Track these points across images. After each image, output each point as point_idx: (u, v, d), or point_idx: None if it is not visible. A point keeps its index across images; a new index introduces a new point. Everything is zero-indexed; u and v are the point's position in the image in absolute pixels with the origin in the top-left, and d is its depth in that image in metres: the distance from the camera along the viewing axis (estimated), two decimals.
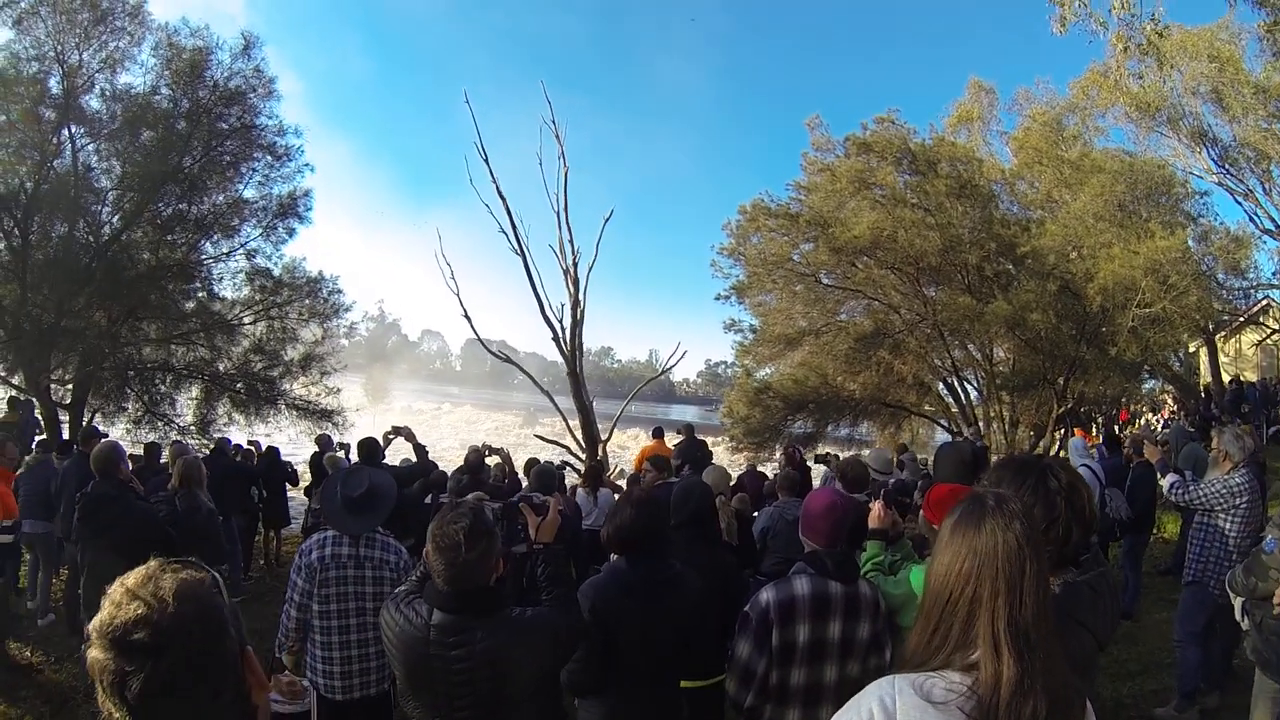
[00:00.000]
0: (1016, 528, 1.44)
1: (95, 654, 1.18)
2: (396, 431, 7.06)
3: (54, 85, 12.81)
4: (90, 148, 13.45)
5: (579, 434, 15.33)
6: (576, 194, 15.88)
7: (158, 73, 13.70)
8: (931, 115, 25.55)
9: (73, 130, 13.00)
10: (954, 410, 19.34)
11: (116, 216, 13.57)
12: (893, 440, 19.00)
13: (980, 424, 18.15)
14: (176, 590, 1.24)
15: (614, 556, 3.71)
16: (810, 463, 10.92)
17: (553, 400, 16.19)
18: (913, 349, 18.03)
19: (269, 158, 14.59)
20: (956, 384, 19.05)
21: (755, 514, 6.65)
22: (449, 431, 45.87)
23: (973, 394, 19.46)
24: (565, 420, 15.61)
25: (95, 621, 1.21)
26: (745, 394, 19.29)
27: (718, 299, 19.32)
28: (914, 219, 16.22)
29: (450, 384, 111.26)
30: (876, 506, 3.51)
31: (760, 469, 11.88)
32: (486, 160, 14.84)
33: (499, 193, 14.80)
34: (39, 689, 6.34)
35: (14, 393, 12.55)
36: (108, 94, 13.43)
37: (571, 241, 15.48)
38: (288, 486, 10.77)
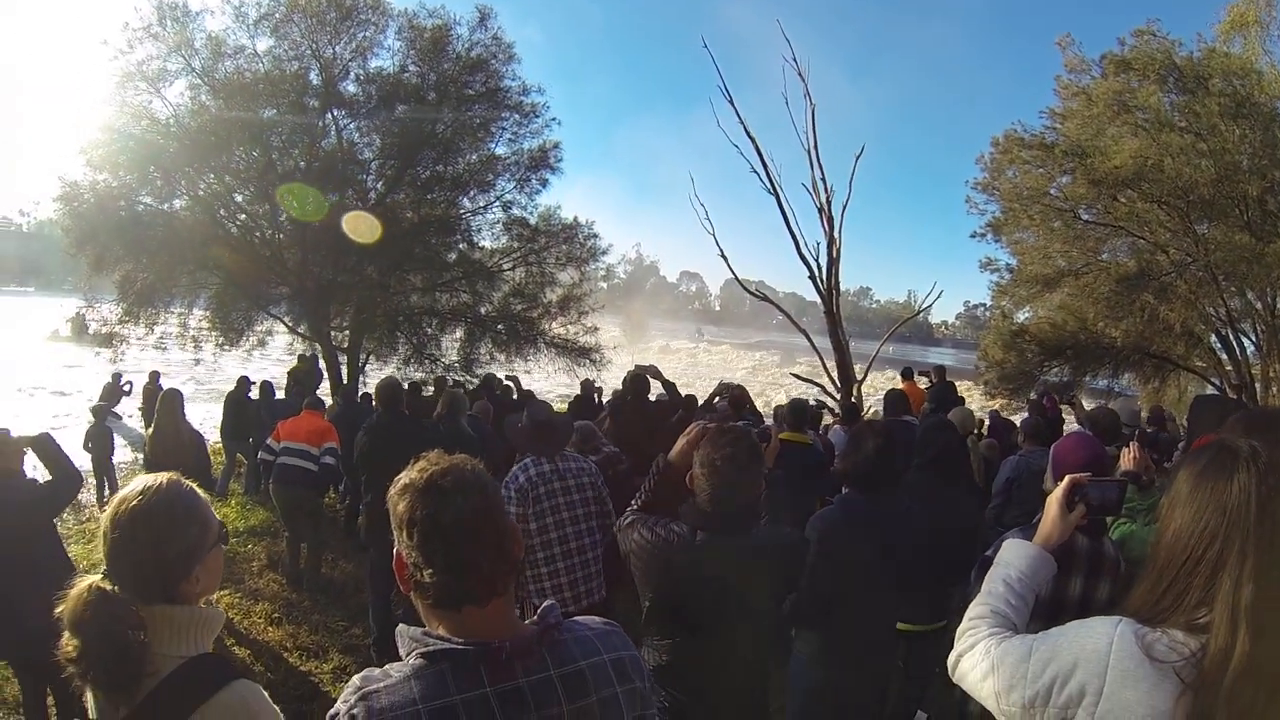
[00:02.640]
0: (1273, 483, 1.35)
1: (399, 506, 1.52)
2: (642, 369, 7.88)
3: (313, 78, 15.07)
4: (351, 126, 15.70)
5: (834, 373, 15.89)
6: (827, 131, 16.56)
7: (404, 53, 15.66)
8: (1199, 23, 23.46)
9: (335, 113, 15.29)
10: (1227, 368, 17.95)
11: (380, 182, 15.85)
12: (1155, 396, 18.22)
13: (1257, 385, 16.76)
14: (463, 461, 1.57)
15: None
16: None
17: (809, 339, 16.81)
18: (1181, 294, 16.74)
19: (516, 116, 16.06)
20: (1231, 336, 17.68)
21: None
22: (706, 370, 47.42)
23: (1250, 349, 17.94)
24: (822, 359, 16.20)
25: (400, 483, 1.55)
26: (1001, 337, 18.88)
27: (973, 237, 18.98)
28: (1182, 145, 15.19)
29: (709, 323, 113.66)
30: (1132, 447, 3.44)
31: (1010, 418, 11.94)
32: (731, 101, 15.86)
33: (748, 133, 15.74)
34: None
35: (302, 348, 16.04)
36: (361, 78, 15.51)
37: (824, 179, 16.18)
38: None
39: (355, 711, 1.40)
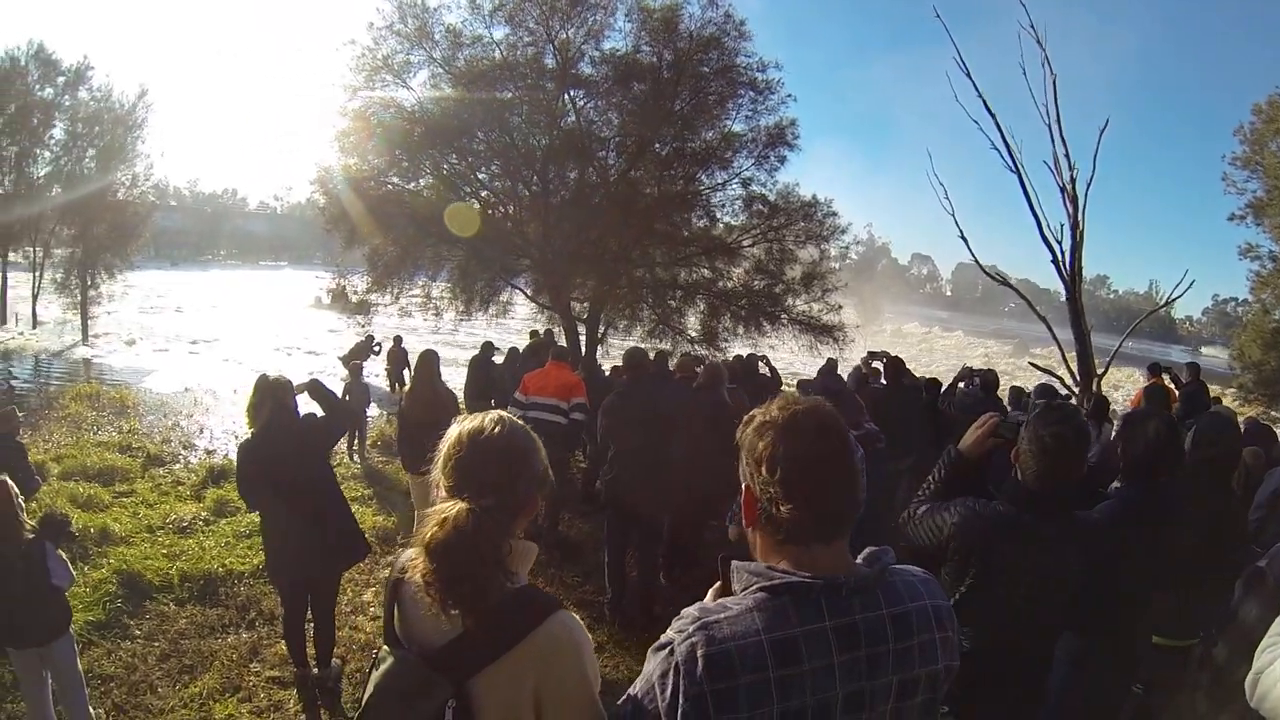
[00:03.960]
0: None
1: (758, 443, 1.60)
2: (873, 356, 7.87)
3: (549, 61, 15.70)
4: (589, 106, 16.23)
5: (1074, 365, 15.36)
6: (1069, 104, 15.80)
7: (635, 34, 15.92)
8: None
9: (571, 94, 15.89)
10: None
11: (620, 159, 16.24)
12: None
13: None
14: (820, 403, 1.62)
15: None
16: None
17: (1049, 328, 16.23)
18: None
19: (751, 93, 16.05)
20: None
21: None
22: (940, 356, 47.02)
23: None
24: (1061, 350, 15.68)
25: (757, 420, 1.63)
26: (1260, 335, 17.23)
27: (1231, 220, 17.43)
28: None
29: (940, 308, 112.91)
30: None
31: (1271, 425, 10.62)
32: (969, 74, 15.50)
33: (988, 109, 15.34)
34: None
35: (542, 318, 16.92)
36: (595, 59, 15.96)
37: (1067, 156, 15.51)
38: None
39: (695, 640, 1.47)
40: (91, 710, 4.79)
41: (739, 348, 15.47)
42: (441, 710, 1.71)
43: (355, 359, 14.86)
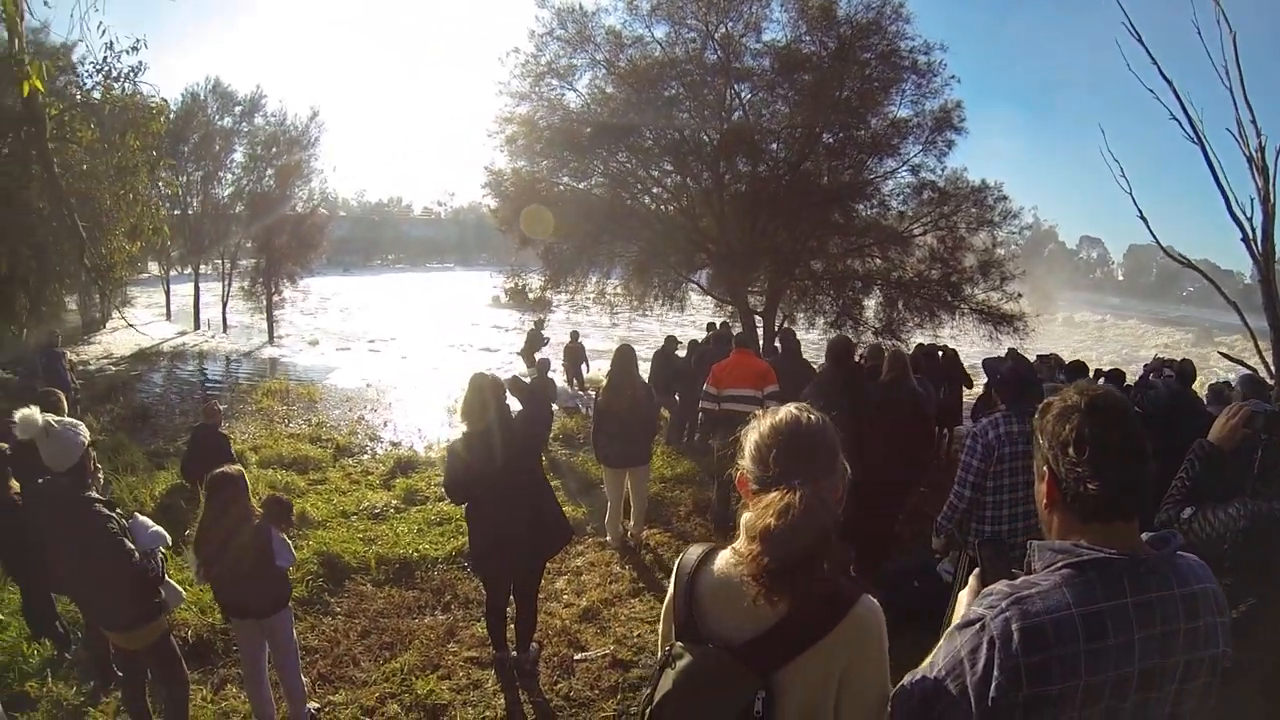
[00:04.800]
0: None
1: (1062, 428, 1.65)
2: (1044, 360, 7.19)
3: (710, 56, 15.79)
4: (755, 99, 16.17)
5: (1268, 356, 14.13)
6: (1252, 64, 14.57)
7: (794, 24, 15.91)
8: None
9: (736, 87, 15.90)
10: None
11: (789, 151, 16.08)
12: None
13: None
14: (1109, 389, 1.61)
15: None
16: None
17: (1240, 313, 15.09)
18: None
19: (914, 77, 15.77)
20: None
21: None
22: (1114, 346, 45.03)
23: None
24: (1254, 339, 14.50)
25: (1056, 407, 1.69)
26: None
27: None
28: None
29: (1111, 294, 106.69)
30: None
31: None
32: (1140, 40, 14.53)
33: (1163, 76, 14.35)
34: None
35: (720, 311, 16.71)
36: (756, 52, 15.97)
37: (1254, 121, 14.39)
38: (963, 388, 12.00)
39: (1009, 614, 1.53)
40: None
41: (919, 338, 15.26)
42: (751, 703, 1.72)
43: (532, 350, 15.14)
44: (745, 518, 1.84)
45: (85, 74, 11.60)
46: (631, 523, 7.86)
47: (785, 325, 11.83)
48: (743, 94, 16.10)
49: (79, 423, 4.00)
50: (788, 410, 1.91)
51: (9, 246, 16.78)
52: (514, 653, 5.55)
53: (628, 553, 7.59)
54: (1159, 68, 14.03)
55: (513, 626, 5.61)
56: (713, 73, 15.85)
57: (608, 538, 7.84)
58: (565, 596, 6.77)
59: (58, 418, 3.94)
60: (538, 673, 5.48)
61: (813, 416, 1.90)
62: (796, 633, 1.75)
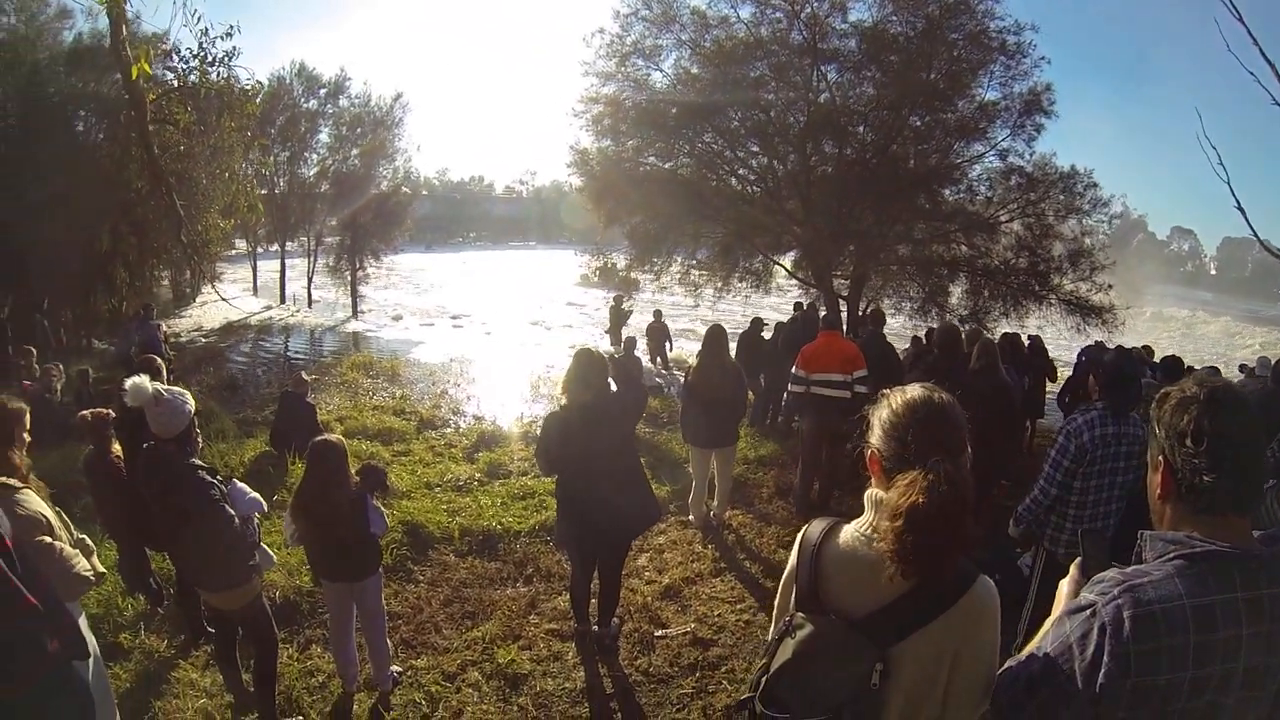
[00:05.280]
0: None
1: (1180, 418, 1.61)
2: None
3: (796, 37, 15.65)
4: (841, 80, 16.00)
5: None
6: None
7: (880, 4, 15.67)
8: None
9: (822, 68, 15.69)
10: None
11: (876, 134, 15.83)
12: None
13: None
14: (1227, 382, 1.60)
15: None
16: None
17: None
18: None
19: (1003, 58, 15.35)
20: None
21: None
22: (1205, 344, 43.75)
23: None
24: None
25: (1174, 398, 1.66)
26: None
27: None
28: None
29: (1203, 289, 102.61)
30: None
31: None
32: (1240, 18, 13.92)
33: (1263, 55, 13.74)
34: None
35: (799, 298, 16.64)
36: (842, 32, 15.76)
37: None
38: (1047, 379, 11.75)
39: (1120, 601, 1.53)
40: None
41: (1005, 326, 14.84)
42: (869, 674, 1.78)
43: (618, 326, 15.22)
44: (879, 495, 1.88)
45: (181, 61, 11.99)
46: (715, 503, 7.85)
47: (875, 307, 11.63)
48: (829, 75, 15.89)
49: (186, 392, 4.16)
50: (919, 389, 1.93)
51: (110, 225, 17.52)
52: (595, 627, 5.61)
53: (710, 533, 7.60)
54: (1260, 49, 13.44)
55: (595, 601, 5.67)
56: (799, 54, 15.67)
57: (691, 517, 7.87)
58: (647, 574, 6.81)
59: (166, 387, 4.05)
60: (618, 648, 5.54)
61: (944, 395, 1.92)
62: (918, 608, 1.79)
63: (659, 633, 5.71)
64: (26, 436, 3.70)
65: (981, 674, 1.82)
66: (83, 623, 3.47)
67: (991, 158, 16.07)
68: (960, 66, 15.43)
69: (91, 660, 3.36)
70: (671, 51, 16.48)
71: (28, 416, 3.75)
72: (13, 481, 3.44)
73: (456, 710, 4.83)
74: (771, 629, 2.08)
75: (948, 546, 1.70)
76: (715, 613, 6.01)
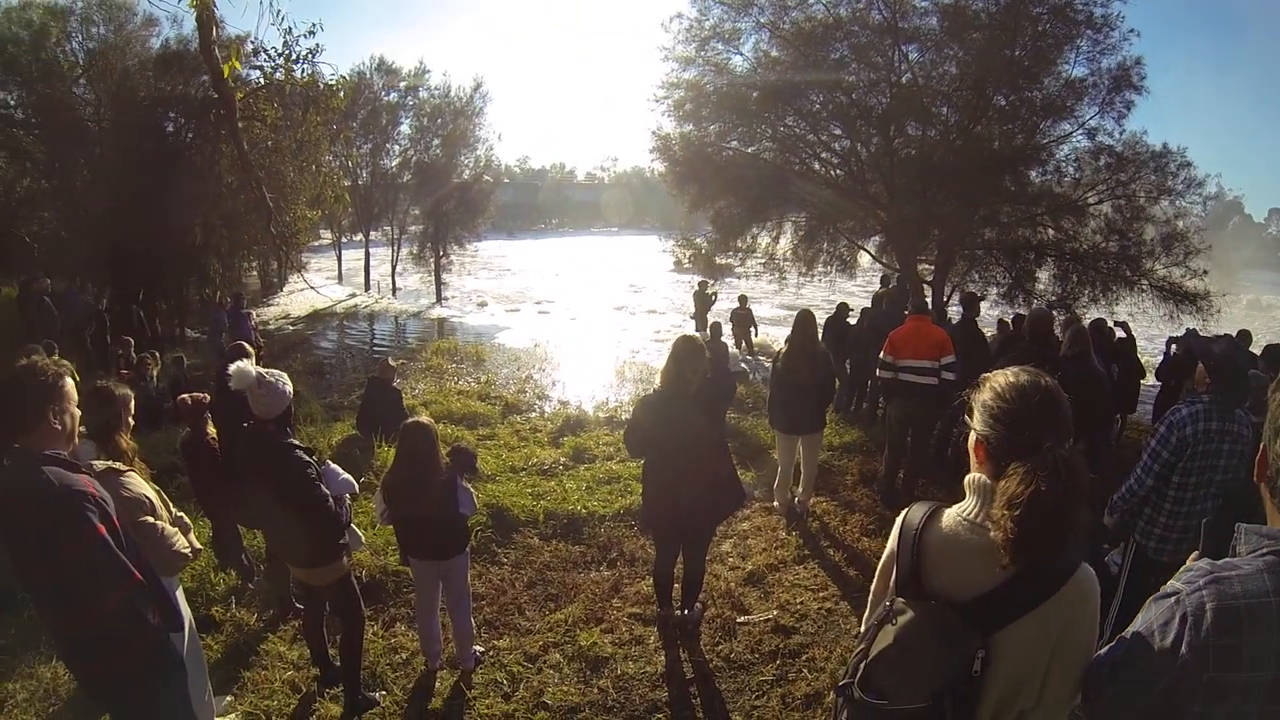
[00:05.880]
0: None
1: None
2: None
3: (876, 16, 15.43)
4: (923, 59, 15.75)
5: None
6: None
7: None
8: None
9: (903, 48, 15.44)
10: None
11: (959, 114, 15.52)
12: None
13: None
14: None
15: None
16: None
17: None
18: None
19: (1090, 32, 14.77)
20: None
21: None
22: None
23: None
24: None
25: None
26: None
27: None
28: None
29: None
30: None
31: None
32: None
33: None
34: None
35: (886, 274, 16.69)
36: (923, 10, 15.55)
37: None
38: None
39: (1205, 593, 1.49)
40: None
41: (1094, 313, 14.30)
42: (971, 660, 1.76)
43: (703, 311, 15.23)
44: (983, 481, 1.87)
45: (266, 59, 12.49)
46: (800, 489, 7.73)
47: (969, 292, 11.34)
48: (910, 55, 15.64)
49: (285, 375, 4.30)
50: (1025, 373, 1.88)
51: (202, 218, 18.19)
52: (678, 611, 5.63)
53: (794, 519, 7.52)
54: None
55: (678, 586, 5.67)
56: (879, 33, 15.44)
57: (775, 503, 7.82)
58: (730, 559, 6.81)
59: (268, 370, 4.23)
60: (700, 633, 5.54)
61: (1050, 379, 1.87)
62: (1022, 595, 1.77)
63: (741, 619, 5.70)
64: (131, 421, 3.89)
65: (1079, 664, 1.79)
66: (180, 596, 3.65)
67: (1079, 137, 15.50)
68: (1045, 42, 14.94)
69: (186, 632, 3.60)
70: (750, 34, 16.40)
71: (133, 402, 3.96)
72: (119, 465, 3.65)
73: (537, 690, 4.89)
74: (867, 614, 2.07)
75: (1063, 534, 1.67)
76: (798, 600, 5.98)
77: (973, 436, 1.92)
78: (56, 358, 3.13)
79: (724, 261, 17.85)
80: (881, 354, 7.82)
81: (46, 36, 18.60)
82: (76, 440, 3.05)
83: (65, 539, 2.77)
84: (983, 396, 1.90)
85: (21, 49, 18.29)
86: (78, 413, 3.03)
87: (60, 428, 2.93)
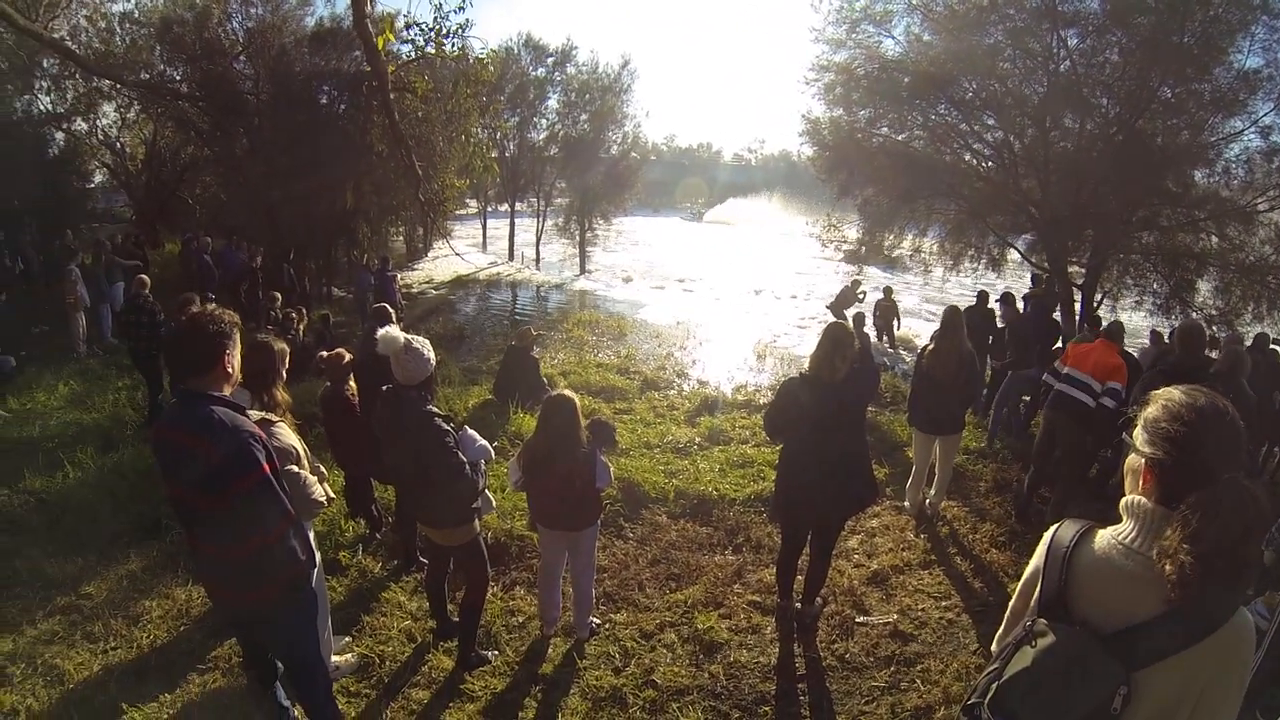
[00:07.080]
0: None
1: None
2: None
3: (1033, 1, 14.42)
4: (1084, 45, 14.64)
5: None
6: None
7: None
8: None
9: (1062, 34, 14.45)
10: None
11: (1120, 106, 14.44)
12: None
13: None
14: None
15: None
16: None
17: None
18: None
19: (1266, 18, 13.50)
20: None
21: None
22: None
23: None
24: None
25: None
26: None
27: None
28: None
29: None
30: None
31: None
32: None
33: None
34: None
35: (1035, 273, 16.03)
36: None
37: None
38: None
39: None
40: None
41: (1257, 330, 13.07)
42: (1111, 697, 1.65)
43: (842, 307, 15.09)
44: (1147, 505, 1.76)
45: (418, 33, 12.95)
46: (933, 491, 7.64)
47: (1115, 321, 10.75)
48: (1069, 41, 14.64)
49: (428, 343, 4.50)
50: (1201, 393, 1.78)
51: (354, 184, 19.33)
52: (798, 604, 5.64)
53: (923, 521, 7.45)
54: None
55: (801, 578, 5.67)
56: (1036, 17, 14.53)
57: (905, 503, 7.74)
58: (856, 557, 6.78)
59: (414, 337, 4.44)
60: (817, 629, 5.55)
61: (1228, 403, 1.77)
62: (1175, 632, 1.66)
63: (860, 619, 5.68)
64: (284, 374, 4.13)
65: (1226, 710, 1.69)
66: (311, 538, 4.00)
67: (1251, 135, 14.22)
68: (1217, 28, 13.60)
69: (316, 571, 3.79)
70: (902, 17, 16.00)
71: (289, 356, 4.21)
72: (272, 415, 4.00)
73: (648, 668, 5.00)
74: (1001, 631, 2.01)
75: (1241, 572, 1.59)
76: (919, 606, 5.91)
77: (1136, 458, 1.82)
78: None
79: (882, 246, 17.52)
80: (1058, 361, 7.66)
81: (209, 17, 20.71)
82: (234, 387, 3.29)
83: (235, 474, 3.06)
84: (1153, 414, 1.80)
85: (186, 29, 20.49)
86: (239, 361, 3.26)
87: (230, 372, 3.26)
